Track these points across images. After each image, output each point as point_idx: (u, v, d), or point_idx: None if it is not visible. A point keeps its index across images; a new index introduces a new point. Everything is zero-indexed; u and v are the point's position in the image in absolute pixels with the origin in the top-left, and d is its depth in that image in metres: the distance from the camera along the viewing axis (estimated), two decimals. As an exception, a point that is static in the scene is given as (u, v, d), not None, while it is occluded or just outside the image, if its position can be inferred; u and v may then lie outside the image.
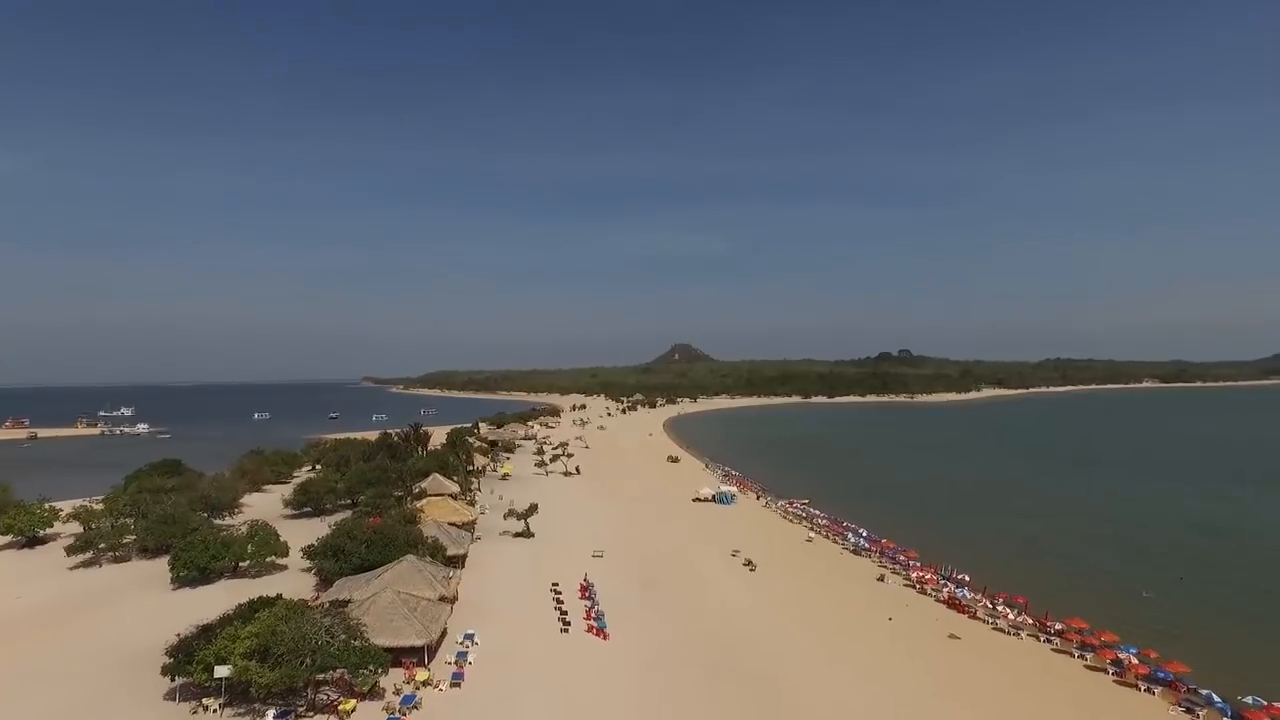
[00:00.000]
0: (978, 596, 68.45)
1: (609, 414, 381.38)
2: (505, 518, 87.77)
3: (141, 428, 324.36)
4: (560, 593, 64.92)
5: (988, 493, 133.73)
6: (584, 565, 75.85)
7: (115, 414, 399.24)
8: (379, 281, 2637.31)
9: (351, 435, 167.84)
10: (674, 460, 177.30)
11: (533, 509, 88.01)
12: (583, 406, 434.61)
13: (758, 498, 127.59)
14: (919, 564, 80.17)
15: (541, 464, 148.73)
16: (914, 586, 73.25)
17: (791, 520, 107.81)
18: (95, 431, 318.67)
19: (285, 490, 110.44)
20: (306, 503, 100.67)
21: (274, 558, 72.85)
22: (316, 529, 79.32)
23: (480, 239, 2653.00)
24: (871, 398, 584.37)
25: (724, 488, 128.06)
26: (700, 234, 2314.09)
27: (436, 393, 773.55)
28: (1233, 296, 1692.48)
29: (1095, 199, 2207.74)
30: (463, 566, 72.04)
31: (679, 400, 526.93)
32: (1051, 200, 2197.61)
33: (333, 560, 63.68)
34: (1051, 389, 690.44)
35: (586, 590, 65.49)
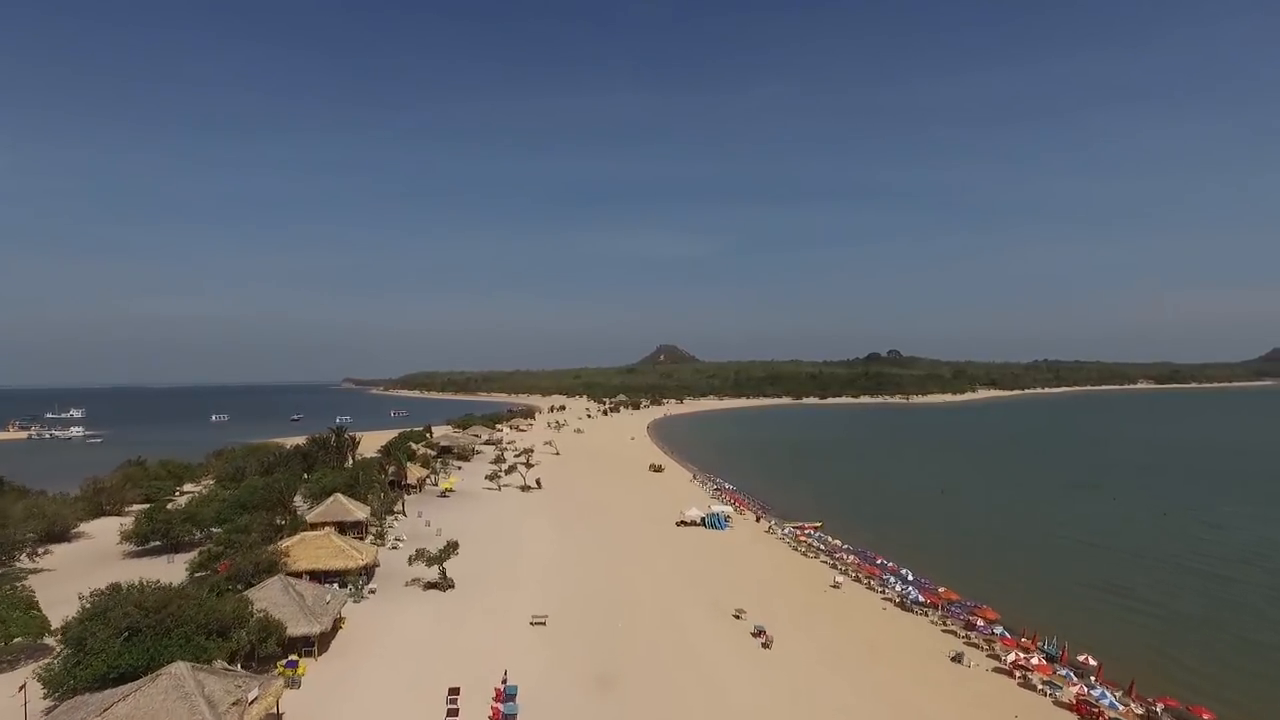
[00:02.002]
0: (1127, 700, 43.65)
1: (589, 415, 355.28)
2: (411, 562, 61.79)
3: (75, 431, 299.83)
4: (458, 709, 39.31)
5: (1035, 513, 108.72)
6: (515, 640, 50.55)
7: (64, 416, 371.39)
8: (367, 283, 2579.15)
9: (266, 441, 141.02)
10: (657, 469, 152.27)
11: (450, 549, 62.01)
12: (561, 408, 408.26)
13: (758, 519, 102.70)
14: (1005, 632, 55.47)
15: (495, 476, 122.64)
16: (1009, 673, 48.57)
17: (806, 554, 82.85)
18: (24, 435, 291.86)
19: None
20: (153, 534, 74.22)
21: (24, 638, 46.94)
22: (163, 574, 54.00)
23: (466, 241, 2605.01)
24: (865, 398, 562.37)
25: (716, 507, 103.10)
26: (686, 235, 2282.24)
27: (415, 394, 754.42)
28: (1218, 299, 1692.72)
29: (1085, 201, 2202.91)
30: (318, 653, 46.25)
31: (664, 401, 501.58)
32: (1040, 202, 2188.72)
33: (70, 660, 37.87)
34: (1048, 390, 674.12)
35: (502, 704, 39.88)
